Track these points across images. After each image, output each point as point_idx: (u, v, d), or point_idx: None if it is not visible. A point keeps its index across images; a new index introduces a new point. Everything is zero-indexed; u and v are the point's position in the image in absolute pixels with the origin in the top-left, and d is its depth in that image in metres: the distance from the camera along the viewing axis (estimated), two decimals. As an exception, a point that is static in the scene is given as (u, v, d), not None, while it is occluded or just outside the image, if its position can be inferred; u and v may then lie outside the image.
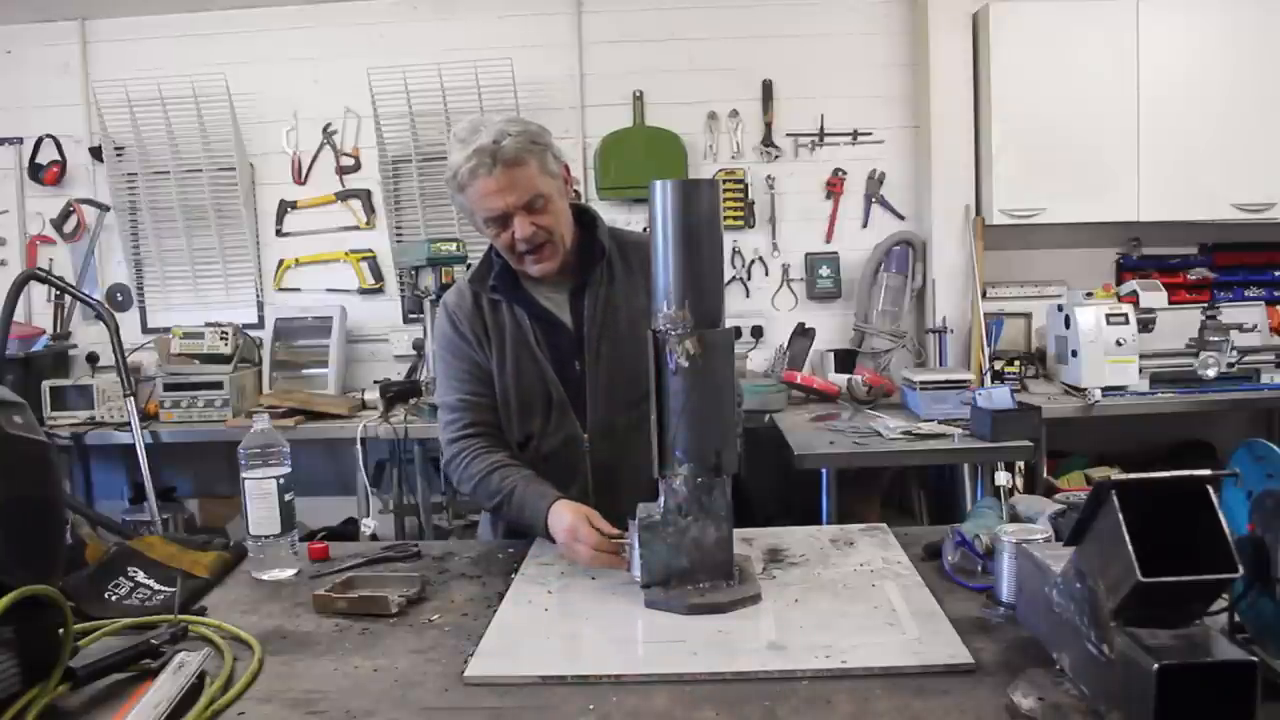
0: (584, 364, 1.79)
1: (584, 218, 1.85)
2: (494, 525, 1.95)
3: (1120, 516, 0.95)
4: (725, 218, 4.06)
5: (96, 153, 4.22)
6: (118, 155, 4.22)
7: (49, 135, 4.26)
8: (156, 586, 1.54)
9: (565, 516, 1.58)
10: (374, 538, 3.54)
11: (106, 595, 1.51)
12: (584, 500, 1.68)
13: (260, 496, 1.62)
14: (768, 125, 4.19)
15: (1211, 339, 3.61)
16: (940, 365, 4.00)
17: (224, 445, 3.75)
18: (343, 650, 1.32)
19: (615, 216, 4.21)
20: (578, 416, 1.79)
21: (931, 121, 4.04)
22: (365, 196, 4.28)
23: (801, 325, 4.14)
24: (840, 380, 3.87)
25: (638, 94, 4.17)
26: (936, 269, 4.08)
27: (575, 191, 1.85)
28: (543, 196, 1.69)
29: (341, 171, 4.29)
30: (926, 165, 4.09)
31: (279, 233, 4.32)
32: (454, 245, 3.62)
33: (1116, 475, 1.00)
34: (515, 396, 1.79)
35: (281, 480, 1.63)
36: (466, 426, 1.80)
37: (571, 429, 1.79)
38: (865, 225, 4.24)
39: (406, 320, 4.31)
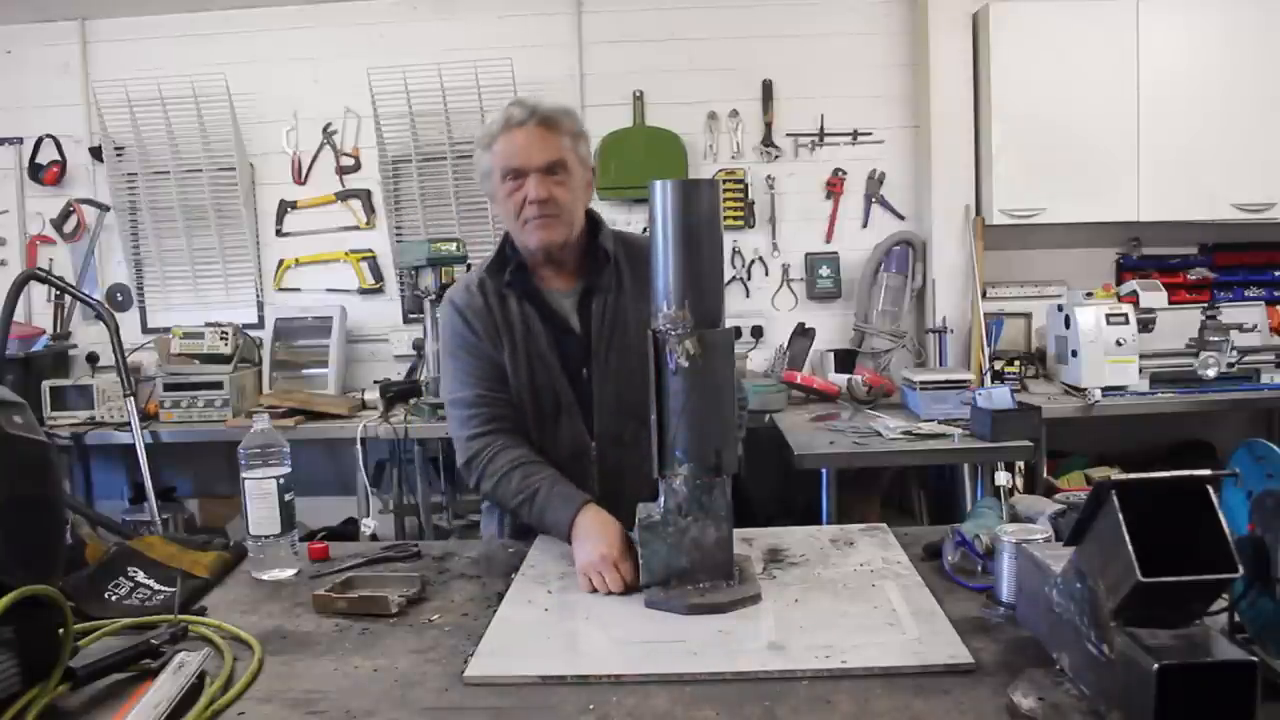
0: (591, 371, 1.78)
1: (588, 221, 1.84)
2: (500, 525, 1.93)
3: (1120, 516, 0.95)
4: (725, 218, 4.06)
5: (96, 153, 4.22)
6: (118, 155, 4.21)
7: (49, 135, 4.26)
8: (156, 586, 1.54)
9: (596, 547, 1.52)
10: (374, 538, 3.53)
11: (106, 595, 1.51)
12: None
13: (260, 496, 1.62)
14: (768, 125, 4.19)
15: (1211, 339, 3.61)
16: (940, 365, 3.99)
17: (224, 445, 3.75)
18: (343, 650, 1.32)
19: (615, 216, 4.21)
20: (585, 424, 1.78)
21: (931, 121, 4.03)
22: (365, 196, 4.28)
23: (801, 325, 4.14)
24: (840, 380, 3.86)
25: (638, 94, 4.17)
26: (936, 269, 4.08)
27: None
28: (564, 166, 1.71)
29: (341, 171, 4.29)
30: (926, 165, 4.09)
31: (279, 233, 4.32)
32: (454, 245, 3.63)
33: (1116, 475, 1.00)
34: (529, 398, 1.78)
35: (281, 480, 1.63)
36: (487, 422, 1.77)
37: (580, 436, 1.78)
38: (865, 225, 4.23)
39: (406, 320, 4.31)
